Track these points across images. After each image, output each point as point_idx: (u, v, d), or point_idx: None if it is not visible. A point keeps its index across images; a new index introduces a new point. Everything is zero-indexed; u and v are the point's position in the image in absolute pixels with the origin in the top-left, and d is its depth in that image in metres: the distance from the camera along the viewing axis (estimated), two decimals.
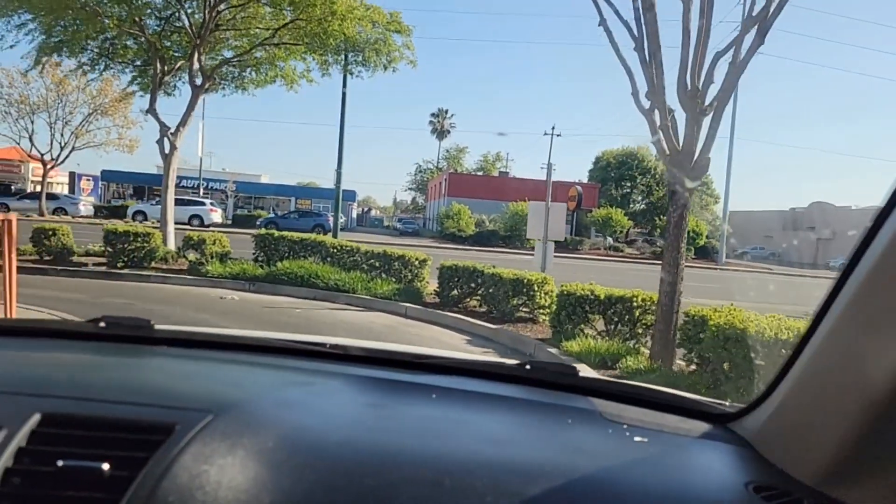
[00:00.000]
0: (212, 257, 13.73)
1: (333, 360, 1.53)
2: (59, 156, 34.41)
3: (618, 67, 7.15)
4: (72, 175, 46.87)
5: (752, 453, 1.18)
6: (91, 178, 52.21)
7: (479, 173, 67.89)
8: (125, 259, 13.48)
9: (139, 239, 13.59)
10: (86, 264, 13.62)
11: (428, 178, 73.92)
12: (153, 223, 36.65)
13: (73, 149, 34.49)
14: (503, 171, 62.78)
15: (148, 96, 18.30)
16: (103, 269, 13.35)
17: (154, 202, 39.18)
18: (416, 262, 12.88)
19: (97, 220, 35.29)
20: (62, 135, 33.88)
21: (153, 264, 13.81)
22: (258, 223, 39.69)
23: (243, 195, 58.14)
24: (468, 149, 78.68)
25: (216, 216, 38.64)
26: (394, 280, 12.65)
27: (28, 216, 33.53)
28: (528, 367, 1.48)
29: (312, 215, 41.31)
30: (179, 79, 19.36)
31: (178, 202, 40.57)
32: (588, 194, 51.57)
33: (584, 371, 2.28)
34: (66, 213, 35.86)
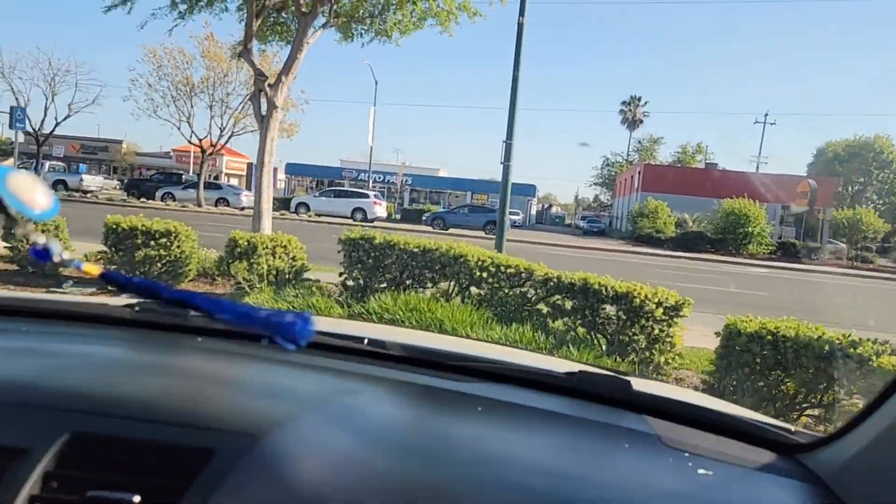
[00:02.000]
0: (269, 275, 7.36)
1: (372, 360, 1.37)
2: (217, 142, 31.04)
3: None
4: (249, 166, 44.78)
5: (826, 492, 1.01)
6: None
7: (677, 166, 57.78)
8: (133, 275, 7.48)
9: (155, 242, 7.55)
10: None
11: (616, 173, 64.95)
12: (310, 216, 33.11)
13: (232, 134, 30.98)
14: (711, 164, 52.19)
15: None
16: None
17: (317, 193, 35.00)
18: (658, 309, 5.62)
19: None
20: (221, 118, 30.40)
21: (183, 281, 7.76)
22: (424, 218, 34.06)
23: (420, 189, 53.73)
24: (664, 139, 68.13)
25: (381, 210, 33.57)
26: (604, 339, 5.61)
27: (184, 207, 30.63)
28: (578, 377, 1.31)
29: (485, 210, 34.84)
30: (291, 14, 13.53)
31: (339, 194, 36.80)
32: (823, 190, 40.24)
33: (637, 382, 1.32)
34: (227, 205, 32.62)
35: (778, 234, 40.33)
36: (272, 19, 13.95)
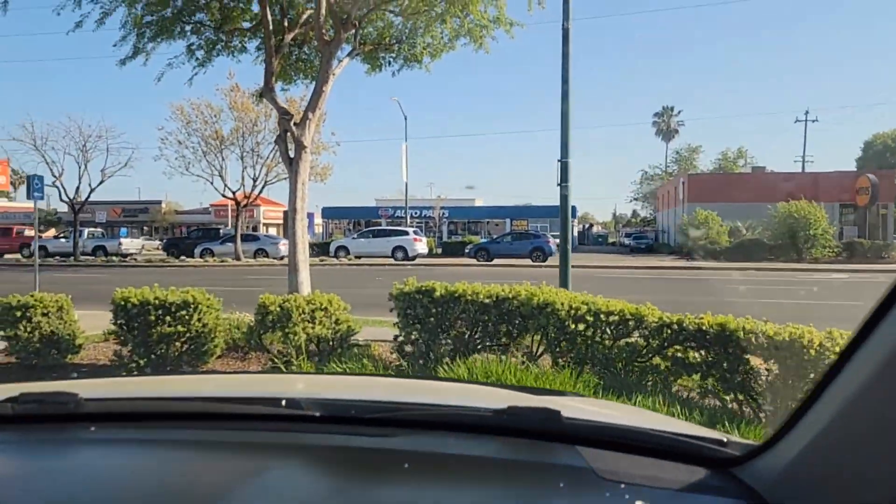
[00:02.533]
0: (309, 344, 5.96)
1: (290, 424, 1.29)
2: (251, 192, 30.26)
3: None
4: (286, 214, 44.35)
5: None
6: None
7: (720, 173, 55.37)
8: (150, 356, 6.19)
9: (171, 317, 6.22)
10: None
11: (655, 186, 62.75)
12: (350, 259, 31.94)
13: (265, 183, 30.19)
14: (757, 167, 49.73)
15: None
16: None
17: (355, 235, 33.90)
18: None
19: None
20: (254, 168, 29.64)
21: (208, 360, 6.41)
22: (467, 250, 32.56)
23: (457, 220, 52.49)
24: (702, 147, 65.86)
25: (421, 246, 32.24)
26: (752, 403, 4.03)
27: (223, 261, 29.79)
28: (506, 414, 1.25)
29: (529, 237, 33.16)
30: (310, 44, 12.39)
31: (378, 233, 35.40)
32: (883, 184, 37.62)
33: (567, 407, 1.35)
34: (266, 255, 31.72)
35: (839, 234, 37.77)
36: (294, 56, 12.87)
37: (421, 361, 5.70)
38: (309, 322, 6.07)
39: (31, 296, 6.75)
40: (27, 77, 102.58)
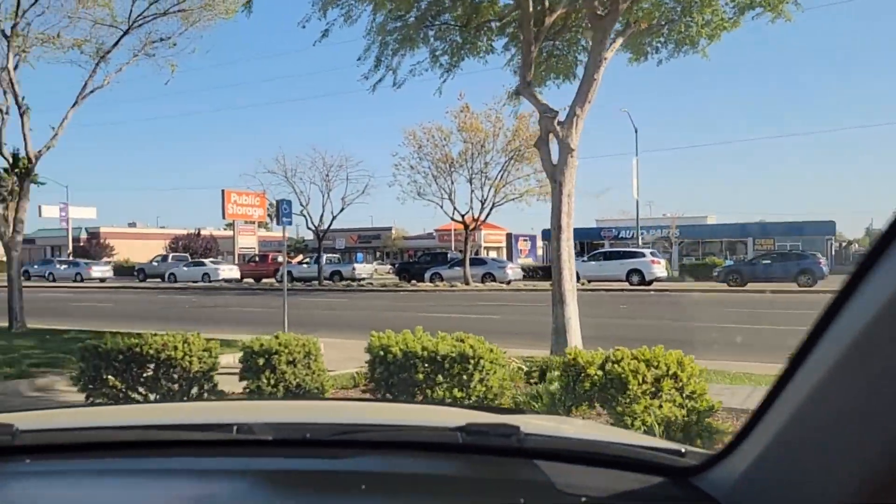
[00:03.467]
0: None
1: (242, 449, 1.23)
2: (478, 215, 29.26)
3: None
4: (508, 236, 43.20)
5: None
6: (528, 238, 48.13)
7: None
8: None
9: (445, 374, 4.39)
10: None
11: None
12: (583, 283, 29.21)
13: (493, 205, 28.99)
14: None
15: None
16: None
17: (586, 258, 31.32)
18: None
19: (522, 286, 28.87)
20: (482, 190, 28.62)
21: None
22: (715, 273, 28.31)
23: (688, 241, 47.45)
24: None
25: (659, 269, 28.75)
26: None
27: (453, 286, 29.04)
28: (465, 431, 1.20)
29: (794, 257, 27.96)
30: (577, 34, 10.35)
31: (610, 255, 31.82)
32: None
33: (526, 423, 1.26)
34: (494, 279, 30.49)
35: None
36: (545, 52, 10.98)
37: None
38: (651, 396, 3.81)
39: (276, 338, 5.41)
40: (279, 113, 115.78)
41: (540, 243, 50.11)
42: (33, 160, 11.78)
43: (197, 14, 12.45)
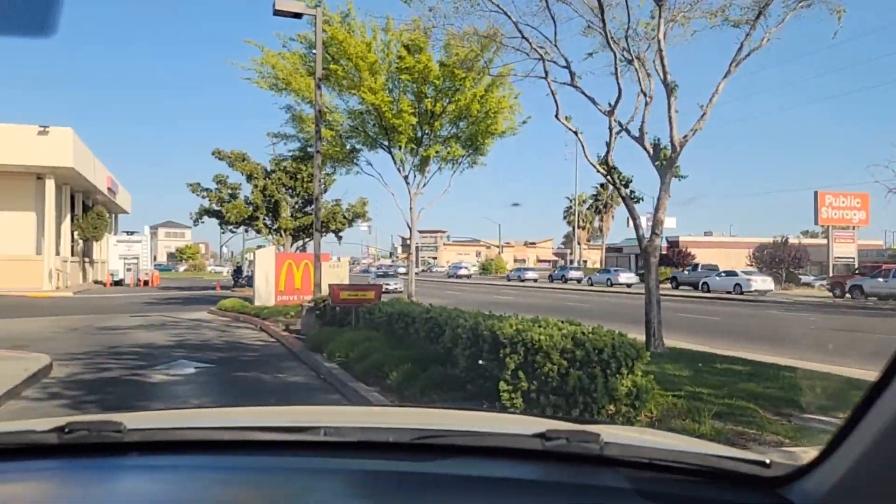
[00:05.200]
0: None
1: (331, 450, 1.28)
2: None
3: None
4: None
5: None
6: None
7: None
8: None
9: None
10: None
11: None
12: None
13: None
14: None
15: None
16: None
17: None
18: None
19: None
20: None
21: None
22: None
23: None
24: None
25: None
26: None
27: None
28: (546, 437, 1.20)
29: None
30: None
31: None
32: None
33: (606, 432, 1.29)
34: None
35: None
36: None
37: None
38: None
39: None
40: None
41: None
42: (677, 148, 9.75)
43: None
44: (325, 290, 16.09)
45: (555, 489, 1.12)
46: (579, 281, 47.74)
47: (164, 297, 27.39)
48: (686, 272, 42.15)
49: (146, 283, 39.09)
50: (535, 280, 50.06)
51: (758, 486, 1.09)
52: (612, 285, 42.13)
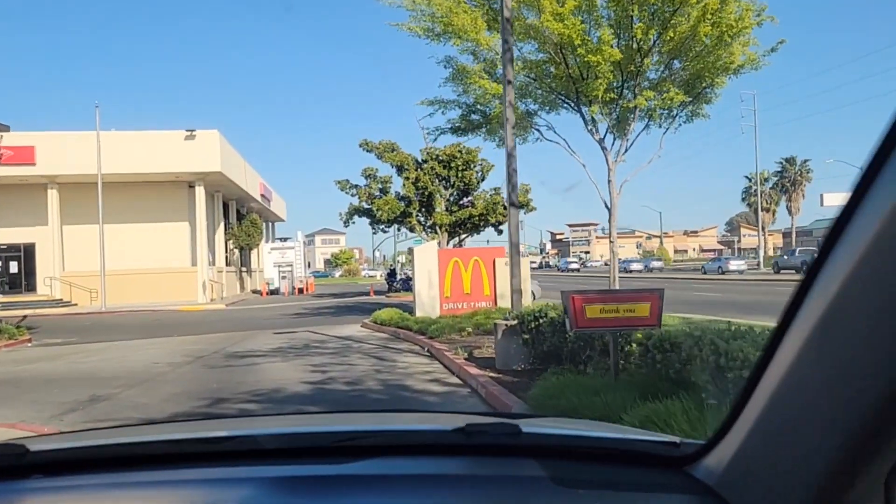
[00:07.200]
0: None
1: (246, 459, 1.23)
2: None
3: None
4: None
5: (716, 500, 0.98)
6: None
7: None
8: None
9: None
10: None
11: None
12: None
13: None
14: None
15: None
16: None
17: None
18: None
19: None
20: None
21: None
22: None
23: None
24: None
25: None
26: None
27: None
28: (466, 432, 1.21)
29: None
30: None
31: None
32: None
33: (525, 423, 1.32)
34: None
35: None
36: None
37: None
38: None
39: None
40: None
41: None
42: None
43: None
44: (504, 295, 11.72)
45: (476, 482, 1.13)
46: (741, 272, 39.54)
47: (315, 308, 24.61)
48: (786, 256, 40.33)
49: (301, 290, 37.39)
50: (742, 272, 40.67)
51: (668, 465, 1.12)
52: (723, 273, 40.20)
